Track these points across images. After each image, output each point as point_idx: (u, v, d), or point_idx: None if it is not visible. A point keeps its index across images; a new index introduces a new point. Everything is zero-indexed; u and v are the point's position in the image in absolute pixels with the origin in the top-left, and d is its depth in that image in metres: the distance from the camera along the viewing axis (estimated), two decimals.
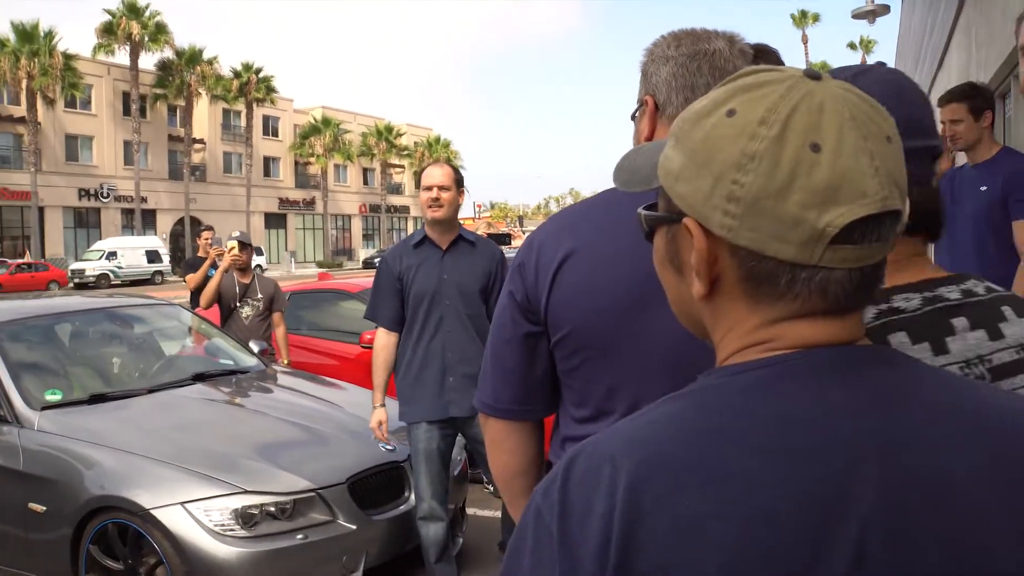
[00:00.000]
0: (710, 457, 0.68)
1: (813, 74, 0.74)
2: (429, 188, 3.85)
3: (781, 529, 0.65)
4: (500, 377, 1.61)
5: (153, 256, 41.60)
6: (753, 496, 0.66)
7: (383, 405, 3.95)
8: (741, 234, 0.72)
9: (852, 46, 64.30)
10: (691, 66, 1.43)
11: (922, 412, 0.71)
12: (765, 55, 1.90)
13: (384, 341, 3.92)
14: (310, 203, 60.09)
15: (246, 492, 3.64)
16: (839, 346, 0.75)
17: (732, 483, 0.66)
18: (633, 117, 1.55)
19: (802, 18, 61.57)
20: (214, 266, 7.28)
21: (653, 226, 0.86)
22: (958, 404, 0.73)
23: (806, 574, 0.64)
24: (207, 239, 8.68)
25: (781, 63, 1.30)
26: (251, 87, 49.35)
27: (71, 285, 36.95)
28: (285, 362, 6.51)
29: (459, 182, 3.91)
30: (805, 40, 62.23)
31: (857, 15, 11.92)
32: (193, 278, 7.73)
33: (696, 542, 0.65)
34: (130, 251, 40.52)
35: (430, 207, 3.84)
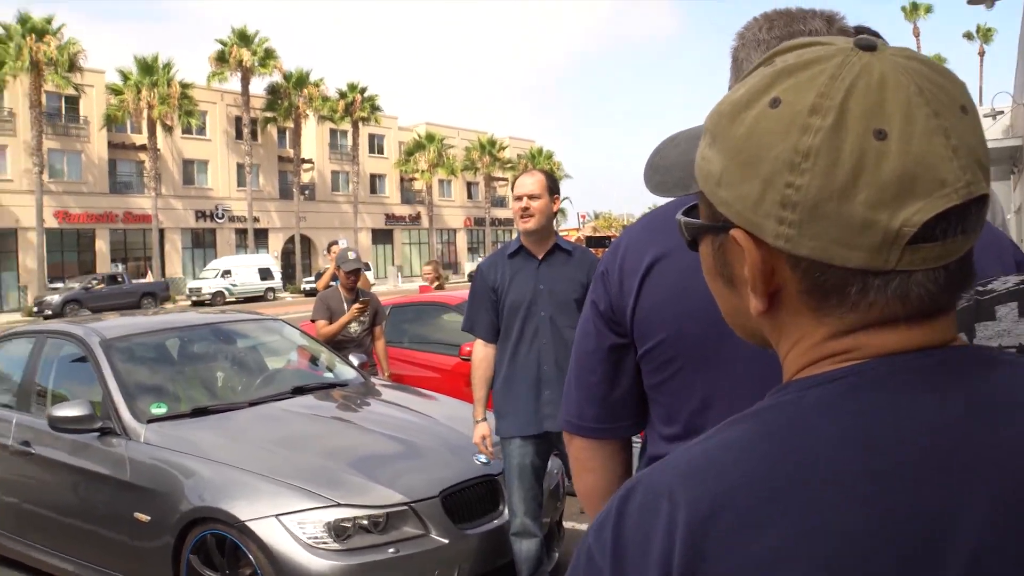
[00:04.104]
0: (781, 488, 0.58)
1: (867, 43, 0.63)
2: (519, 198, 3.76)
3: (872, 571, 0.55)
4: (583, 393, 1.52)
5: (265, 274, 42.98)
6: (835, 532, 0.56)
7: (484, 419, 3.90)
8: (801, 243, 0.62)
9: (968, 36, 61.54)
10: None
11: None
12: None
13: (483, 354, 3.87)
14: (416, 218, 61.16)
15: (339, 505, 3.65)
16: (927, 350, 0.64)
17: (809, 518, 0.57)
18: None
19: (913, 10, 59.21)
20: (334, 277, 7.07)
21: (696, 235, 0.75)
22: None
23: None
24: (335, 253, 7.97)
25: None
26: (356, 107, 50.61)
27: (190, 303, 38.51)
28: (386, 375, 6.56)
29: (551, 189, 3.80)
30: (916, 33, 59.85)
31: (974, 0, 11.33)
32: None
33: None
34: (244, 269, 41.99)
35: (521, 217, 3.76)
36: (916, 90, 0.60)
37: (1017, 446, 0.58)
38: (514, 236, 4.00)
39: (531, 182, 3.77)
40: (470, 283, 4.03)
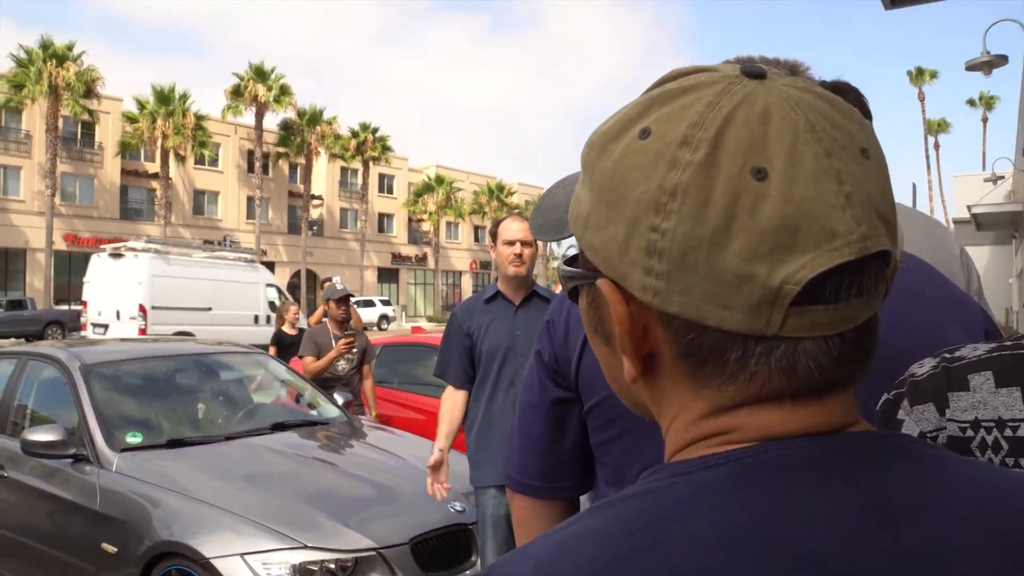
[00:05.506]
0: None
1: (754, 71, 0.56)
2: (511, 243, 3.67)
3: None
4: (527, 447, 1.46)
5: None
6: None
7: (442, 449, 3.69)
8: (670, 298, 0.53)
9: (971, 102, 62.04)
10: None
11: (943, 524, 0.51)
12: (843, 95, 1.73)
13: (451, 394, 3.77)
14: (422, 259, 61.28)
15: (306, 547, 3.57)
16: (818, 436, 0.54)
17: None
18: None
19: (918, 75, 59.76)
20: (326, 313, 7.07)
21: (573, 285, 0.65)
22: (1000, 511, 0.52)
23: None
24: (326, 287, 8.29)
25: (865, 108, 1.06)
26: (368, 146, 50.98)
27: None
28: (373, 415, 6.50)
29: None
30: (922, 97, 60.40)
31: (971, 67, 11.42)
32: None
33: None
34: None
35: (512, 263, 3.67)
36: (806, 125, 0.52)
37: (920, 556, 0.49)
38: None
39: (521, 228, 3.70)
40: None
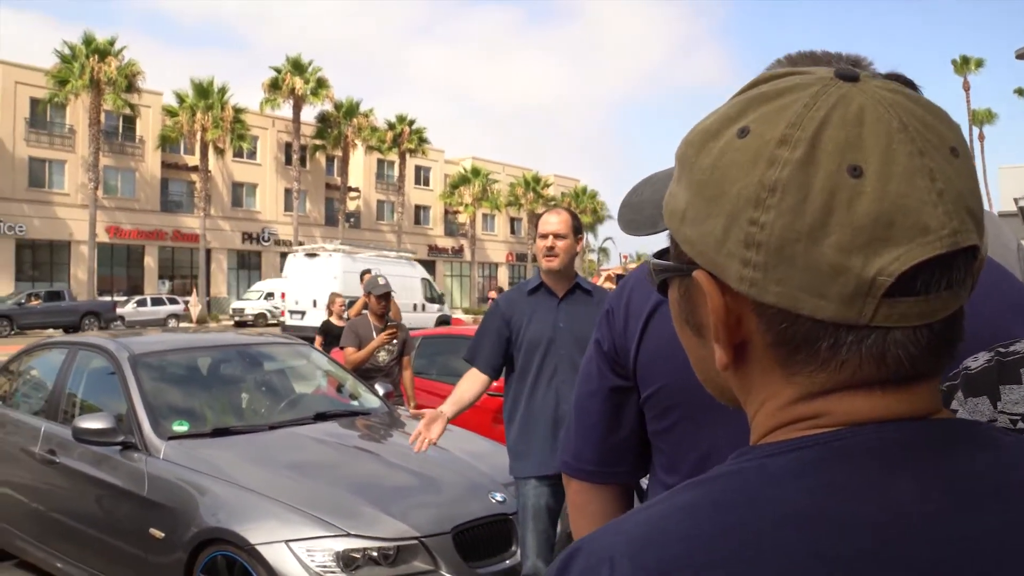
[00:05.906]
0: (722, 565, 0.51)
1: (848, 74, 0.58)
2: (544, 236, 3.71)
3: None
4: (583, 434, 1.49)
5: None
6: None
7: (443, 411, 3.56)
8: (766, 289, 0.56)
9: (1020, 92, 60.62)
10: None
11: None
12: None
13: (474, 375, 3.77)
14: (458, 250, 61.45)
15: (350, 535, 3.62)
16: (905, 421, 0.57)
17: None
18: None
19: (963, 64, 58.54)
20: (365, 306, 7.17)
21: (664, 278, 0.68)
22: None
23: None
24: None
25: None
26: (404, 138, 51.13)
27: (233, 323, 38.82)
28: (412, 406, 6.55)
29: (576, 229, 3.78)
30: (967, 87, 59.16)
31: (1022, 55, 11.19)
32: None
33: None
34: None
35: (545, 256, 3.71)
36: (899, 126, 0.54)
37: (1002, 538, 0.51)
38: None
39: (557, 221, 3.73)
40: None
